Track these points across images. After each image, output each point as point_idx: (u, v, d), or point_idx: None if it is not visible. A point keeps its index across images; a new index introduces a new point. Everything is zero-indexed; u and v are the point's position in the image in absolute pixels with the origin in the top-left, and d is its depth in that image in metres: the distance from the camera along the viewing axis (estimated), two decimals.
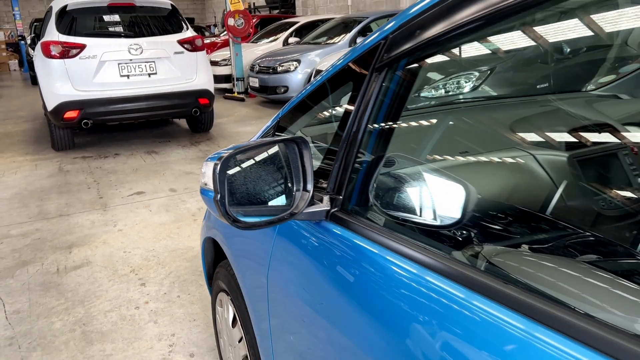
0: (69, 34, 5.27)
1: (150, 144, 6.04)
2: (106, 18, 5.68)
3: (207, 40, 12.28)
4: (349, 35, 8.24)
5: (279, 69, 8.03)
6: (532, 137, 1.27)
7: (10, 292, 2.67)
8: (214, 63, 9.80)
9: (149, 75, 5.46)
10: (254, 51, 9.56)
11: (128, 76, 5.37)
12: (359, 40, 8.18)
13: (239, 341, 1.56)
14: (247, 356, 1.52)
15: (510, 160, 1.19)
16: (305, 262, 1.04)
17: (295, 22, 10.35)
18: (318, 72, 7.48)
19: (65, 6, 5.43)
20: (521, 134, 1.27)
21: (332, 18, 9.65)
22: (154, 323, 2.34)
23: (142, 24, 5.69)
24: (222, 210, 0.83)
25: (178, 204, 3.92)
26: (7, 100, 10.60)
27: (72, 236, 3.37)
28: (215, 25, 20.81)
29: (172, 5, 5.98)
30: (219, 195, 0.82)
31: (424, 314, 0.70)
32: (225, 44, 10.37)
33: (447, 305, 0.67)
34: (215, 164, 0.83)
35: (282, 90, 8.05)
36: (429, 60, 0.92)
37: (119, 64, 5.32)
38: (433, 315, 0.68)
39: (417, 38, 0.83)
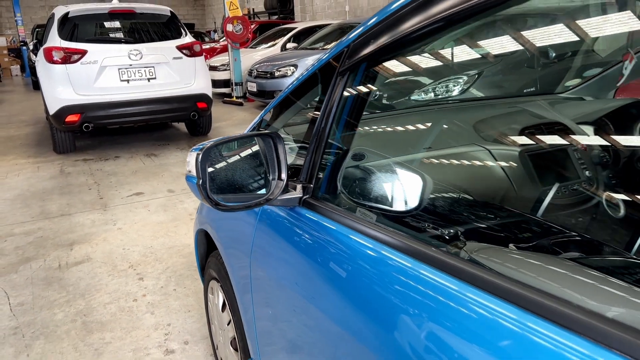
0: (70, 40, 5.43)
1: (150, 147, 6.18)
2: (107, 24, 5.83)
3: (206, 46, 12.46)
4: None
5: (277, 73, 8.18)
6: (490, 134, 1.40)
7: (14, 286, 2.80)
8: (213, 68, 9.97)
9: (149, 80, 5.61)
10: (252, 56, 9.72)
11: (128, 81, 5.52)
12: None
13: (228, 324, 1.69)
14: (235, 337, 1.65)
15: (467, 154, 1.32)
16: (281, 244, 1.17)
17: (294, 28, 10.51)
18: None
19: (67, 13, 5.58)
20: (481, 132, 1.40)
21: (330, 24, 9.81)
22: (151, 314, 2.47)
23: (142, 30, 5.84)
24: (204, 194, 0.97)
25: (176, 204, 4.05)
26: (9, 105, 10.75)
27: (73, 234, 3.50)
28: (215, 31, 21.00)
29: (171, 12, 6.14)
30: (200, 181, 0.96)
31: (380, 283, 0.82)
32: (225, 49, 10.53)
33: (400, 273, 0.79)
34: (198, 154, 0.96)
35: None
36: (385, 64, 1.06)
37: (119, 69, 5.47)
38: (388, 281, 0.81)
39: (372, 45, 0.97)
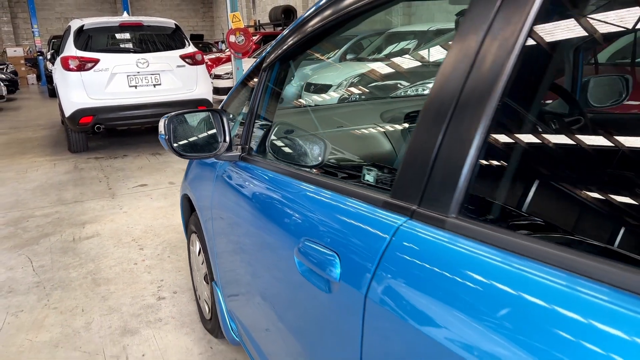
0: (85, 49, 6.04)
1: (155, 146, 6.75)
2: (117, 36, 6.45)
3: (212, 56, 13.11)
4: (340, 51, 8.95)
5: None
6: (386, 118, 1.93)
7: (36, 254, 3.35)
8: (217, 76, 10.57)
9: (154, 85, 6.20)
10: None
11: (136, 86, 6.11)
12: (348, 56, 8.92)
13: (202, 263, 2.22)
14: (206, 274, 2.17)
15: (366, 131, 1.85)
16: (228, 189, 1.70)
17: None
18: (309, 85, 8.18)
19: (82, 25, 6.21)
20: (380, 117, 1.93)
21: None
22: (148, 273, 3.00)
23: (149, 41, 6.45)
24: (170, 145, 1.50)
25: (175, 193, 4.60)
26: (26, 111, 11.44)
27: (85, 216, 4.06)
28: (223, 42, 21.74)
29: (175, 24, 6.74)
30: (166, 137, 1.49)
31: (285, 202, 1.33)
32: (229, 59, 11.14)
33: (296, 191, 1.30)
34: (166, 119, 1.50)
35: None
36: (293, 62, 1.59)
37: (127, 75, 6.07)
38: (291, 199, 1.32)
39: (279, 50, 1.50)
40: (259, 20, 18.38)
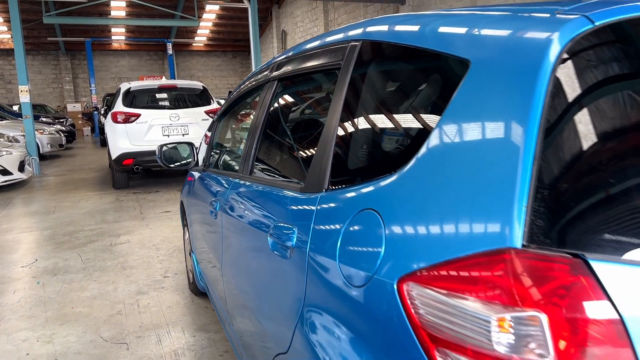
0: (130, 106, 7.61)
1: (182, 184, 8.14)
2: (157, 95, 8.03)
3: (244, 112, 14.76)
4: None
5: None
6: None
7: (84, 252, 4.65)
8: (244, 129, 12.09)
9: (183, 135, 7.66)
10: None
11: (168, 135, 7.58)
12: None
13: (187, 244, 3.43)
14: (190, 252, 3.37)
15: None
16: (198, 189, 2.93)
17: None
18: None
19: (129, 88, 7.82)
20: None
21: None
22: (160, 263, 4.23)
23: (180, 99, 7.99)
24: (160, 161, 2.75)
25: None
26: (81, 158, 13.28)
27: (120, 230, 5.37)
28: None
29: (203, 86, 8.30)
30: (158, 156, 2.74)
31: (209, 190, 2.54)
32: None
33: (217, 182, 2.51)
34: (159, 147, 2.77)
35: None
36: (223, 117, 2.84)
37: (162, 127, 7.57)
38: (211, 187, 2.53)
39: (220, 111, 2.76)
40: None
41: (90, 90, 22.09)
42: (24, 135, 10.58)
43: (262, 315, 1.47)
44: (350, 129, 1.25)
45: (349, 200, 1.10)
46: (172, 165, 2.85)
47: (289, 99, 1.94)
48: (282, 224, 1.37)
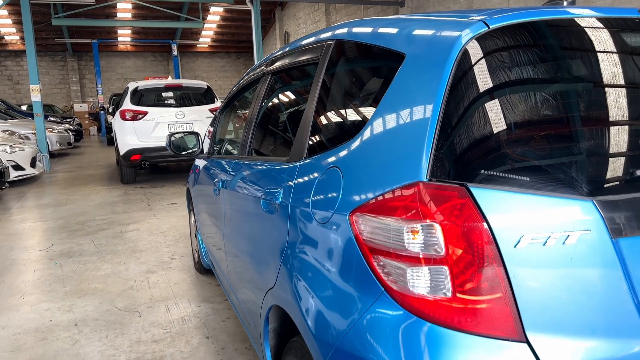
0: (137, 104, 7.96)
1: (187, 179, 8.48)
2: (163, 94, 8.37)
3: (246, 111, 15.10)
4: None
5: None
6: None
7: (96, 238, 4.99)
8: None
9: None
10: None
11: None
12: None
13: (193, 225, 3.76)
14: (196, 233, 3.69)
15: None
16: (202, 174, 3.25)
17: None
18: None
19: (137, 87, 8.17)
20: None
21: None
22: (167, 247, 4.56)
23: (186, 98, 8.33)
24: (169, 148, 3.07)
25: None
26: (89, 155, 13.65)
27: (129, 220, 5.71)
28: None
29: (207, 86, 8.64)
30: (167, 143, 3.07)
31: (214, 174, 2.86)
32: None
33: (220, 166, 2.84)
34: (168, 135, 3.08)
35: None
36: (225, 109, 3.17)
37: (168, 124, 7.90)
38: (215, 171, 2.85)
39: (223, 104, 3.09)
40: None
41: (97, 90, 22.49)
42: (34, 133, 10.95)
43: (256, 262, 1.80)
44: (322, 111, 1.58)
45: (319, 162, 1.42)
46: (181, 153, 3.17)
47: (280, 89, 2.26)
48: (271, 189, 1.70)
